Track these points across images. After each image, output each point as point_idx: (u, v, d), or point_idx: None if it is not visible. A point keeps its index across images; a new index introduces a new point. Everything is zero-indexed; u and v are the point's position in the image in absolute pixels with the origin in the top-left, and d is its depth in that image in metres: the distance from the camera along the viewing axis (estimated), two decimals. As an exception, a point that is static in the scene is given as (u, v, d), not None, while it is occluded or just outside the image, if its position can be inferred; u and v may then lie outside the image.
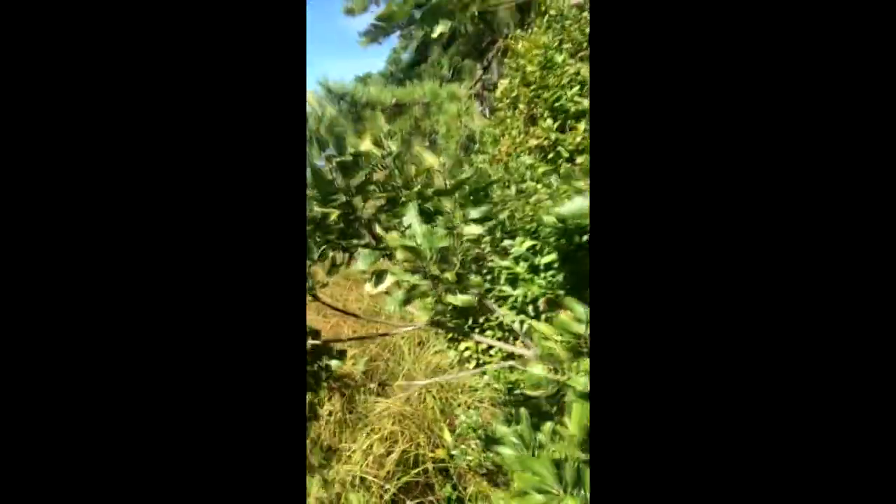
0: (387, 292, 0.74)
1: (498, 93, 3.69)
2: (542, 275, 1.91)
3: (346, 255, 0.92)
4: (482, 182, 0.92)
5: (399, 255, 0.68)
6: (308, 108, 0.73)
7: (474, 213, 0.91)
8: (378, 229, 0.78)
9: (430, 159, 0.92)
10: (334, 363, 0.82)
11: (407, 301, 0.68)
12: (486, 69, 6.20)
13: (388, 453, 2.22)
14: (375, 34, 7.32)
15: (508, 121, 3.21)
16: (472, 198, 0.94)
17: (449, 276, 0.66)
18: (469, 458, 2.14)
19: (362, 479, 2.13)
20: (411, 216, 0.74)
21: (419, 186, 0.83)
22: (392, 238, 0.68)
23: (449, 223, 0.85)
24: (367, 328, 3.40)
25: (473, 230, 0.87)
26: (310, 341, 0.91)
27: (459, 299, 0.66)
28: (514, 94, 3.28)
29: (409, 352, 3.21)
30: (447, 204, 0.90)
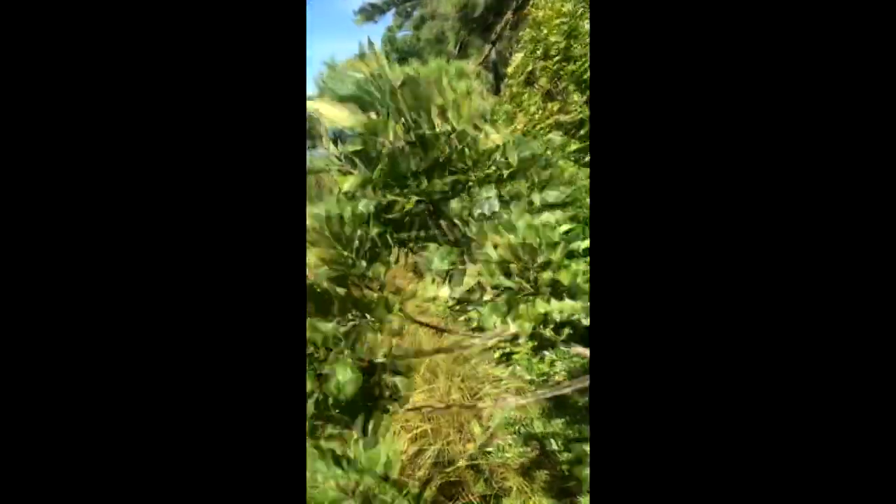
0: (467, 297, 0.61)
1: (510, 68, 3.51)
2: (580, 261, 1.78)
3: (403, 250, 0.78)
4: (555, 157, 0.78)
5: (497, 252, 0.55)
6: (371, 72, 0.60)
7: (550, 196, 0.78)
8: (455, 220, 0.65)
9: (495, 136, 0.78)
10: (399, 381, 0.69)
11: (509, 310, 0.56)
12: (495, 42, 5.98)
13: (420, 451, 2.12)
14: (371, 13, 7.07)
15: (525, 96, 3.05)
16: (547, 177, 0.81)
17: (562, 277, 0.53)
18: (507, 454, 2.03)
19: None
20: (495, 202, 0.60)
21: (493, 167, 0.69)
22: (489, 232, 0.55)
23: (528, 210, 0.71)
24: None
25: (551, 217, 0.73)
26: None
27: (569, 306, 0.53)
28: (528, 69, 3.11)
29: (427, 342, 3.10)
30: (518, 186, 0.76)
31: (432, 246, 0.66)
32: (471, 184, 0.73)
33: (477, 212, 0.63)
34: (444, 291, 0.65)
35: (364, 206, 0.57)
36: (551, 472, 2.10)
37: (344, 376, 0.57)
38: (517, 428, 2.03)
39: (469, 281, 0.64)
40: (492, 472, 2.24)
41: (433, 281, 0.72)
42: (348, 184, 0.60)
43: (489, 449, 2.11)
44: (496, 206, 0.61)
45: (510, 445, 2.04)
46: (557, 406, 2.21)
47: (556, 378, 2.17)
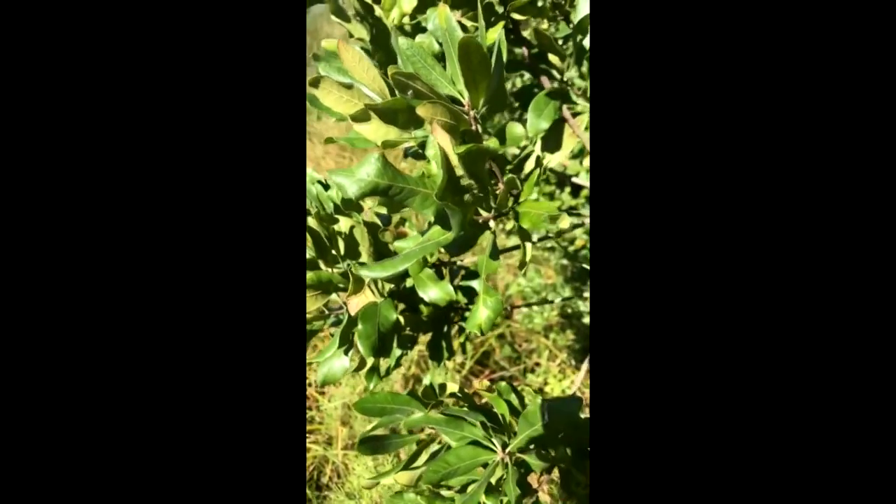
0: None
1: None
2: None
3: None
4: None
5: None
6: None
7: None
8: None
9: None
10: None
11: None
12: None
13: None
14: None
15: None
16: None
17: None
18: (536, 321, 2.06)
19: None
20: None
21: None
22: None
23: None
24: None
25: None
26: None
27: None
28: None
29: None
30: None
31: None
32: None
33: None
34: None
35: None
36: (575, 334, 2.16)
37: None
38: (544, 295, 2.03)
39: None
40: (514, 336, 2.31)
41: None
42: (405, 3, 0.44)
43: (516, 317, 2.13)
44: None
45: (535, 311, 2.07)
46: (583, 272, 2.19)
47: (578, 242, 2.13)
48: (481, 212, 0.57)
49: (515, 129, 0.52)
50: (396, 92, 0.46)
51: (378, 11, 0.76)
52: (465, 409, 0.66)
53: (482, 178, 0.47)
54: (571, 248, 2.13)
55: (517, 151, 1.03)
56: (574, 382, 2.05)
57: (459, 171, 0.41)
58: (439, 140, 0.38)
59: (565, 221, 0.45)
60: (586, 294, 2.08)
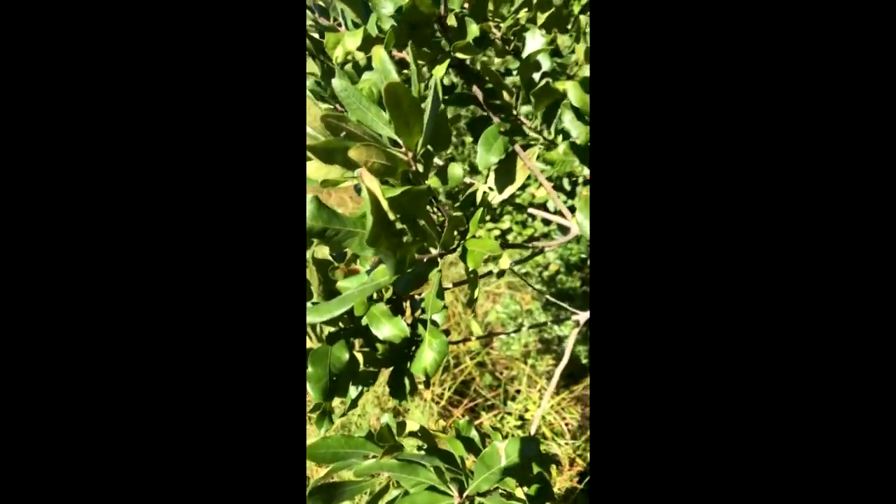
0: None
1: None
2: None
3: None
4: None
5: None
6: None
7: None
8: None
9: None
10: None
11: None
12: None
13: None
14: None
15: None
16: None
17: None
18: (514, 347, 2.04)
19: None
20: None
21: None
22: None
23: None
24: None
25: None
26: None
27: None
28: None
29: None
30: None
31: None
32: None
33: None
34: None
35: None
36: (554, 359, 2.15)
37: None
38: (520, 321, 2.02)
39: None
40: (494, 364, 2.28)
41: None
42: (349, 42, 0.44)
43: (495, 344, 2.12)
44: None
45: (512, 337, 2.05)
46: (559, 297, 2.20)
47: (552, 268, 2.14)
48: (430, 249, 0.57)
49: (456, 169, 0.52)
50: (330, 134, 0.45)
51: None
52: (422, 452, 0.64)
53: (422, 218, 0.47)
54: (546, 274, 2.14)
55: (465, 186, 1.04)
56: (542, 403, 2.02)
57: (392, 215, 0.40)
58: (368, 184, 0.38)
59: (505, 261, 0.45)
60: (562, 318, 2.07)
